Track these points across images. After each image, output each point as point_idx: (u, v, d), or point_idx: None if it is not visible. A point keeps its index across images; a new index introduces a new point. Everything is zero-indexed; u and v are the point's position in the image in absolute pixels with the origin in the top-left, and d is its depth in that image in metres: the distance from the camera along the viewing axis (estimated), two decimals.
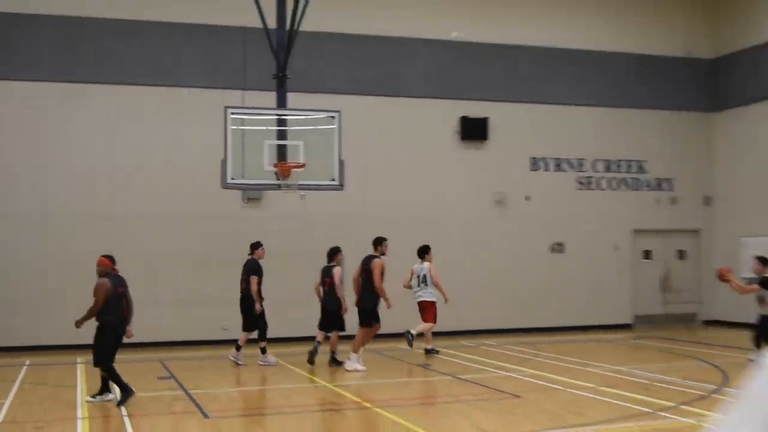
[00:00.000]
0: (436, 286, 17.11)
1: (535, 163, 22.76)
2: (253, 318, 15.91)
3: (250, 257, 16.25)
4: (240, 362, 15.93)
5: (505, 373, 14.80)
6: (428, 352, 17.15)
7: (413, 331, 16.28)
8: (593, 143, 23.30)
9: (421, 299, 17.20)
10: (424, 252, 17.44)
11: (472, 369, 15.37)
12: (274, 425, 11.41)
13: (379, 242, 15.91)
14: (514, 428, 10.17)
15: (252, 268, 16.03)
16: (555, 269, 22.51)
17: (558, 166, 22.97)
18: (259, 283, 15.91)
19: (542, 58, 22.82)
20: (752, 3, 23.54)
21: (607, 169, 23.47)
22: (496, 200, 22.18)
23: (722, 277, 14.34)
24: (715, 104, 24.52)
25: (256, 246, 16.36)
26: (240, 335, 16.12)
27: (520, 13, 22.80)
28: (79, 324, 12.28)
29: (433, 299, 17.14)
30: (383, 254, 15.76)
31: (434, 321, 17.09)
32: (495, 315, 21.56)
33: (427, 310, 17.10)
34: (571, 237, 22.84)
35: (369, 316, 15.37)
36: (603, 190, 23.40)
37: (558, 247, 22.73)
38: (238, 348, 16.03)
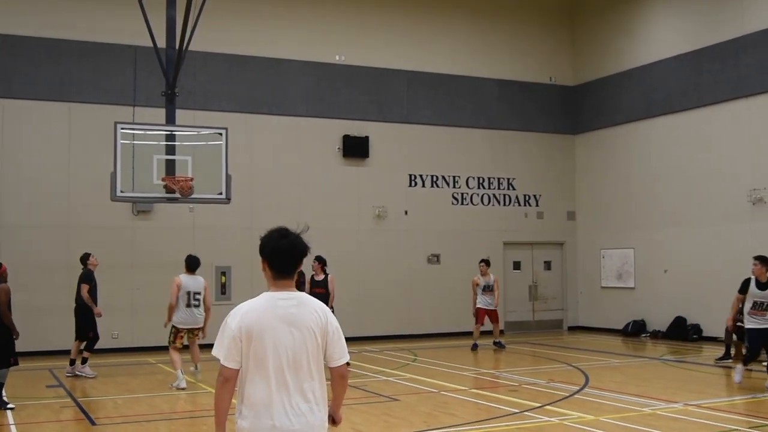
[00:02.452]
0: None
1: (413, 180, 22.97)
2: (83, 327, 15.29)
3: (83, 268, 15.73)
4: (82, 373, 15.28)
5: (384, 377, 14.83)
6: None
7: None
8: (467, 161, 23.67)
9: None
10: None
11: (353, 374, 15.31)
12: (159, 431, 11.13)
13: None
14: (391, 429, 10.17)
15: (82, 277, 15.48)
16: (431, 279, 22.74)
17: (434, 183, 23.24)
18: (91, 291, 15.37)
19: (419, 81, 23.10)
20: (610, 36, 24.35)
21: (480, 185, 23.88)
22: (376, 214, 22.29)
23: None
24: (577, 127, 25.26)
25: (86, 257, 15.86)
26: (72, 345, 15.56)
27: (399, 39, 23.02)
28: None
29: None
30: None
31: None
32: (376, 323, 21.63)
33: None
34: (447, 249, 23.13)
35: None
36: (476, 205, 23.79)
37: (434, 259, 23.00)
38: (72, 362, 15.41)
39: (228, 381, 4.48)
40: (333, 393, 4.71)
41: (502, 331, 21.12)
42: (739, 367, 13.68)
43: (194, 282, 14.18)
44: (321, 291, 16.02)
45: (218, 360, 4.49)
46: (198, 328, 14.11)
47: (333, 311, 15.66)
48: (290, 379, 4.43)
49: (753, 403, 12.33)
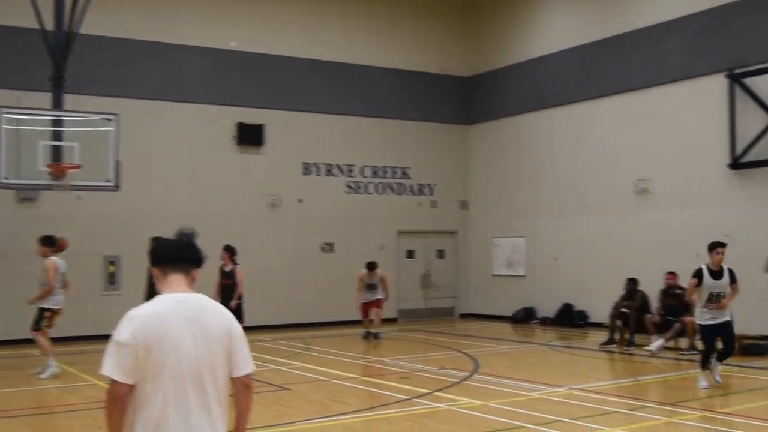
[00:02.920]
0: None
1: (307, 168, 22.87)
2: None
3: None
4: None
5: (275, 367, 14.72)
6: None
7: None
8: (362, 151, 23.71)
9: None
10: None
11: None
12: (42, 424, 10.80)
13: None
14: (282, 419, 10.12)
15: None
16: (325, 268, 22.70)
17: (329, 172, 23.21)
18: None
19: (315, 69, 22.97)
20: (504, 28, 24.72)
21: (374, 174, 23.95)
22: (271, 203, 22.11)
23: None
24: (471, 117, 25.58)
25: None
26: None
27: (295, 28, 22.83)
28: None
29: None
30: None
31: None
32: (269, 312, 21.44)
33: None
34: (341, 237, 23.12)
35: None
36: (370, 194, 23.85)
37: (328, 247, 22.97)
38: None
39: (120, 399, 3.88)
40: (237, 408, 4.16)
41: (396, 320, 21.27)
42: (702, 377, 12.07)
43: (64, 264, 14.02)
44: (229, 282, 15.71)
45: (107, 377, 3.87)
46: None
47: (242, 303, 15.36)
48: (191, 393, 3.89)
49: (634, 387, 12.75)
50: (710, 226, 18.71)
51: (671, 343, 16.34)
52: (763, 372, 13.74)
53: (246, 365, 4.12)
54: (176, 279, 4.09)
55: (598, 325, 19.80)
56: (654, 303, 17.15)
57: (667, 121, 19.93)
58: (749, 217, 18.13)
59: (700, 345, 15.67)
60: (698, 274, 11.98)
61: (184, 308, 3.96)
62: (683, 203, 19.44)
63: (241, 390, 4.15)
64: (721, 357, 12.21)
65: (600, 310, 19.25)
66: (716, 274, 11.96)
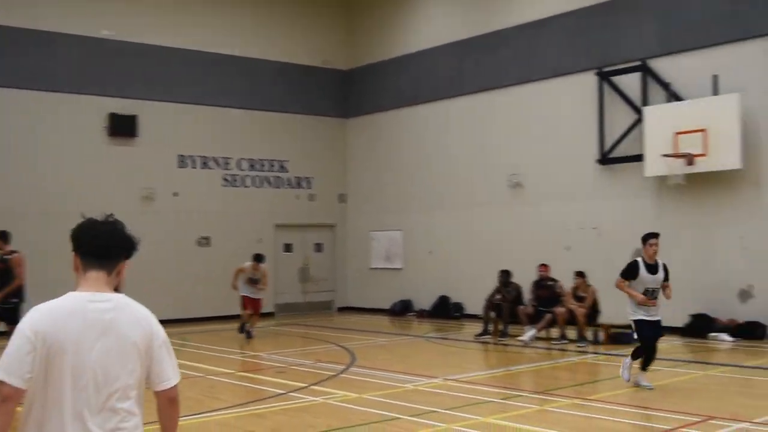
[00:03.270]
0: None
1: (182, 161, 22.37)
2: None
3: None
4: None
5: None
6: None
7: None
8: (239, 143, 23.35)
9: None
10: None
11: None
12: None
13: None
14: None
15: None
16: (201, 262, 22.27)
17: (205, 164, 22.77)
18: None
19: (192, 60, 22.48)
20: (382, 22, 24.79)
21: (252, 167, 23.64)
22: (144, 196, 21.52)
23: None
24: (349, 111, 25.56)
25: None
26: None
27: (170, 17, 22.27)
28: None
29: None
30: None
31: None
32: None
33: None
34: (217, 231, 22.72)
35: None
36: (247, 187, 23.54)
37: (204, 241, 22.54)
38: None
39: (6, 402, 3.30)
40: (162, 425, 3.65)
41: (273, 314, 21.06)
42: (640, 376, 11.19)
43: None
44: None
45: None
46: None
47: (21, 297, 13.09)
48: (96, 409, 3.38)
49: (507, 376, 12.97)
50: (580, 220, 19.29)
51: (543, 334, 16.71)
52: None
53: (169, 377, 3.59)
54: (95, 276, 3.55)
55: (474, 317, 20.08)
56: (527, 294, 17.51)
57: (539, 117, 20.38)
58: (616, 210, 18.72)
59: (571, 334, 16.19)
60: (632, 269, 10.96)
61: (97, 308, 3.45)
62: (554, 197, 19.92)
63: (165, 405, 3.62)
64: (645, 364, 11.12)
65: (475, 302, 19.53)
66: (652, 268, 10.96)
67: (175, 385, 3.62)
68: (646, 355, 11.07)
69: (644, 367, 11.08)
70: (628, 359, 11.29)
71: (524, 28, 20.78)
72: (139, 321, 3.57)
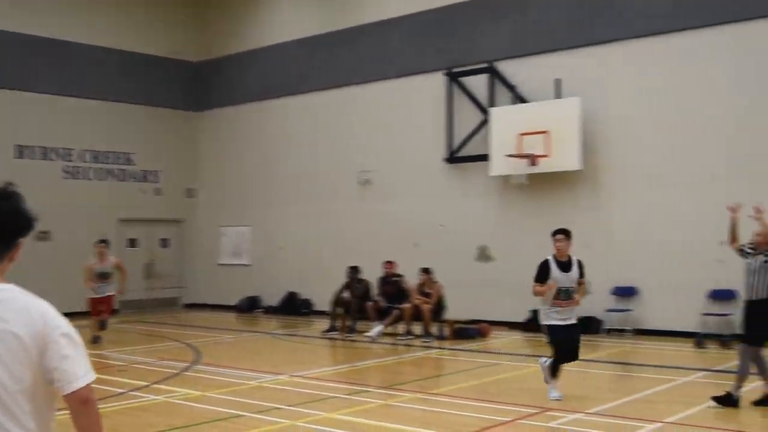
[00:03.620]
0: None
1: (20, 151, 21.35)
2: None
3: None
4: None
5: None
6: None
7: None
8: (81, 134, 22.47)
9: None
10: None
11: None
12: None
13: None
14: None
15: None
16: (40, 257, 21.23)
17: (44, 155, 21.80)
18: None
19: (30, 46, 21.47)
20: (235, 14, 24.43)
21: (95, 159, 22.80)
22: None
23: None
24: (199, 104, 25.06)
25: None
26: None
27: (9, 1, 21.22)
28: None
29: None
30: None
31: None
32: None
33: None
34: (58, 225, 21.75)
35: None
36: (90, 180, 22.69)
37: (44, 236, 21.55)
38: None
39: None
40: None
41: (117, 311, 20.31)
42: (552, 386, 10.10)
43: None
44: None
45: None
46: None
47: None
48: None
49: (353, 372, 13.00)
50: (427, 218, 19.58)
51: (390, 329, 16.86)
52: (471, 354, 14.50)
53: (76, 376, 2.87)
54: None
55: (322, 313, 20.05)
56: (375, 291, 17.62)
57: (390, 115, 20.57)
58: (463, 208, 19.11)
59: (417, 330, 16.39)
60: (544, 269, 9.95)
61: None
62: (403, 194, 20.16)
63: (77, 408, 2.89)
64: (554, 368, 10.17)
65: (324, 298, 19.50)
66: (565, 265, 9.98)
67: (87, 385, 2.89)
68: (557, 359, 10.02)
69: (553, 373, 10.11)
70: (544, 360, 10.22)
71: (376, 27, 20.91)
72: (28, 315, 2.89)
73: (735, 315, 15.22)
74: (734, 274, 15.37)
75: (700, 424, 8.57)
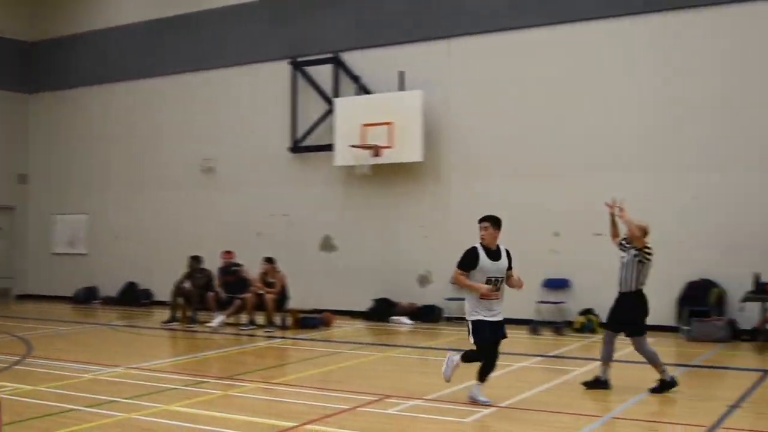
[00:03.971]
0: None
1: None
2: None
3: None
4: None
5: None
6: None
7: None
8: None
9: None
10: None
11: None
12: None
13: None
14: None
15: None
16: None
17: None
18: None
19: None
20: None
21: None
22: None
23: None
24: (31, 86, 23.95)
25: None
26: None
27: None
28: None
29: None
30: None
31: None
32: None
33: None
34: None
35: None
36: None
37: None
38: None
39: None
40: None
41: None
42: (476, 389, 9.04)
43: None
44: None
45: None
46: None
47: None
48: None
49: (193, 363, 12.76)
50: (271, 207, 19.49)
51: (233, 320, 16.67)
52: (314, 343, 14.51)
53: None
54: None
55: (163, 304, 19.61)
56: (217, 280, 17.39)
57: (234, 103, 20.32)
58: (307, 198, 19.11)
59: (260, 320, 16.30)
60: (471, 257, 8.92)
61: None
62: (247, 183, 19.97)
63: None
64: (483, 373, 9.10)
65: (165, 288, 19.06)
66: (494, 254, 9.00)
67: None
68: (486, 362, 9.02)
69: (482, 377, 9.05)
70: (456, 357, 9.35)
71: (219, 13, 20.58)
72: None
73: (567, 303, 15.96)
74: (567, 265, 16.16)
75: (533, 407, 8.88)
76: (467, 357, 9.21)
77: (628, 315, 9.80)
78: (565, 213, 16.15)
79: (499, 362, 9.21)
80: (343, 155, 17.99)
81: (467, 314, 9.03)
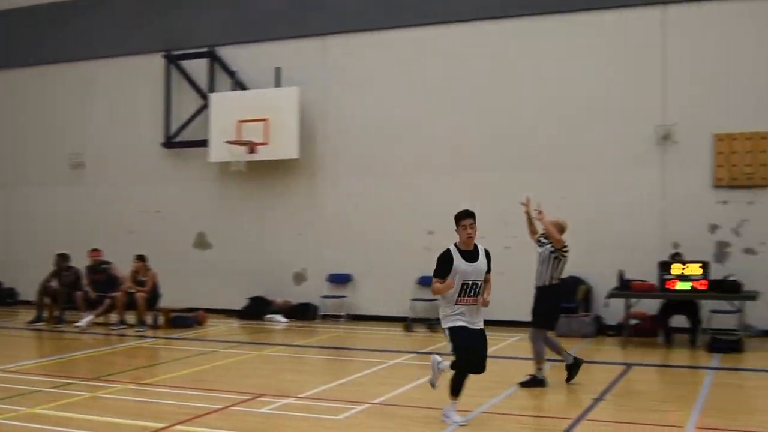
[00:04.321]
0: None
1: None
2: None
3: None
4: None
5: None
6: None
7: None
8: None
9: None
10: None
11: None
12: None
13: None
14: None
15: None
16: None
17: None
18: None
19: None
20: None
21: None
22: None
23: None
24: None
25: None
26: None
27: None
28: None
29: None
30: None
31: None
32: None
33: None
34: None
35: None
36: None
37: None
38: None
39: None
40: None
41: None
42: (452, 408, 8.02)
43: None
44: None
45: None
46: None
47: None
48: None
49: (60, 364, 12.38)
50: (143, 204, 19.10)
51: (103, 319, 16.26)
52: (187, 342, 14.29)
53: None
54: None
55: (28, 303, 18.92)
56: (86, 279, 16.91)
57: (105, 96, 19.82)
58: (180, 195, 18.81)
59: (131, 319, 15.95)
60: (445, 261, 7.92)
61: None
62: (118, 179, 19.51)
63: None
64: (455, 389, 8.08)
65: (30, 287, 18.40)
66: (470, 255, 7.98)
67: None
68: (459, 370, 8.00)
69: (454, 390, 8.05)
70: (444, 363, 8.33)
71: (90, 3, 20.00)
72: None
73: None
74: None
75: (405, 403, 8.99)
76: (453, 383, 8.09)
77: (540, 307, 10.04)
78: (439, 211, 16.39)
79: (372, 360, 9.29)
80: (218, 151, 17.77)
81: (443, 322, 8.08)
